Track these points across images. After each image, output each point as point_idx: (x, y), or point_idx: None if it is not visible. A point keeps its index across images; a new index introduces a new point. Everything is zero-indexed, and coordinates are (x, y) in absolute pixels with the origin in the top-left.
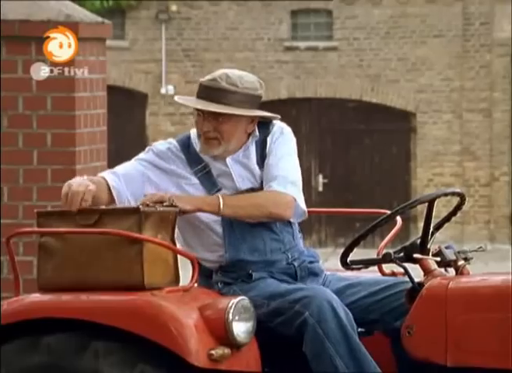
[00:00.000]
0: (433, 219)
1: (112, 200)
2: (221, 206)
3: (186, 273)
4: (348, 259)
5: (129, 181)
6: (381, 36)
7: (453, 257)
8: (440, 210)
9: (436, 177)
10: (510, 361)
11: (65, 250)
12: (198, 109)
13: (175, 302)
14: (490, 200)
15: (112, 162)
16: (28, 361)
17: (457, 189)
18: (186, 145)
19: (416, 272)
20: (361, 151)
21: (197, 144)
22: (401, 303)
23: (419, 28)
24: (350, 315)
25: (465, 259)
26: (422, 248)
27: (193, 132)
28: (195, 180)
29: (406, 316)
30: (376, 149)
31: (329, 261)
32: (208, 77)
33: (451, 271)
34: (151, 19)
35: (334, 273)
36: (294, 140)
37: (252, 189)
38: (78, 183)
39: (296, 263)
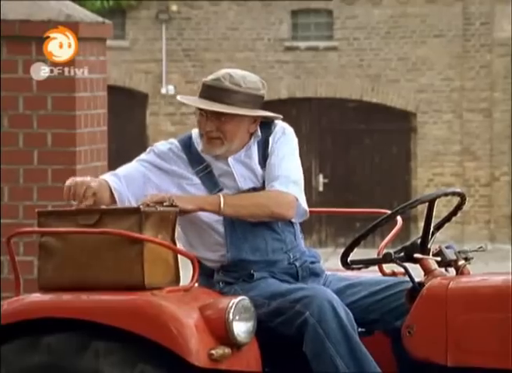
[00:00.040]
0: (433, 219)
1: (114, 201)
2: (221, 205)
3: (186, 273)
4: (349, 259)
5: (130, 182)
6: (381, 36)
7: (453, 257)
8: (441, 210)
9: (436, 177)
10: (510, 361)
11: (66, 250)
12: (200, 109)
13: (175, 302)
14: (490, 200)
15: (112, 162)
16: (28, 361)
17: (458, 189)
18: (187, 145)
19: (417, 272)
20: (361, 151)
21: (198, 144)
22: (401, 303)
23: (419, 28)
24: (351, 315)
25: (466, 259)
26: (423, 248)
27: (194, 132)
28: (197, 180)
29: (406, 316)
30: (377, 149)
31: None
32: (212, 76)
33: (452, 271)
34: (151, 19)
35: (335, 273)
36: (296, 140)
37: (254, 189)
38: (82, 178)
39: (297, 263)
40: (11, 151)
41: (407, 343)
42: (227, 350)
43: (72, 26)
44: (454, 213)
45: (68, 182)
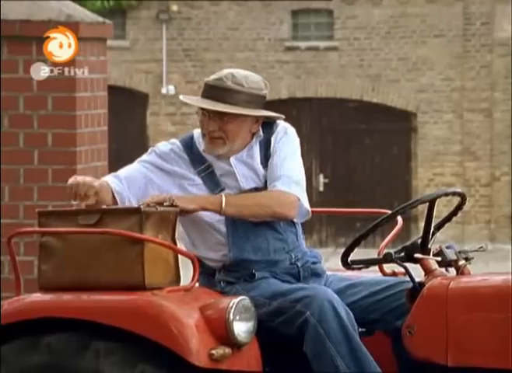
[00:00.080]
0: (433, 219)
1: (115, 203)
2: (223, 205)
3: (187, 273)
4: (349, 259)
5: (131, 183)
6: (382, 36)
7: (454, 257)
8: (441, 210)
9: (436, 177)
10: (510, 361)
11: (66, 250)
12: (203, 109)
13: (176, 302)
14: (491, 200)
15: (113, 162)
16: (28, 361)
17: (458, 189)
18: (189, 145)
19: (417, 272)
20: (362, 151)
21: (200, 144)
22: (401, 303)
23: (419, 28)
24: (351, 314)
25: (466, 259)
26: (423, 248)
27: (196, 132)
28: (198, 180)
29: (407, 316)
30: (377, 149)
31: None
32: (214, 76)
33: (452, 271)
34: (152, 19)
35: (335, 273)
36: (298, 140)
37: (256, 189)
38: (84, 177)
39: (299, 264)
40: (11, 151)
41: (407, 343)
42: (227, 350)
43: (73, 26)
44: (454, 213)
45: (71, 180)
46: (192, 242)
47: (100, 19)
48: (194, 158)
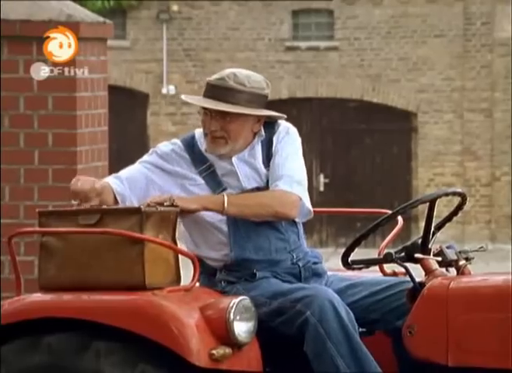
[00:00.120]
0: (434, 219)
1: (117, 204)
2: (225, 205)
3: (187, 273)
4: (350, 259)
5: (133, 184)
6: (382, 36)
7: (454, 257)
8: (441, 210)
9: (437, 177)
10: (510, 361)
11: (67, 250)
12: (205, 109)
13: (176, 302)
14: (491, 200)
15: (113, 162)
16: (28, 361)
17: (459, 189)
18: (190, 145)
19: (417, 272)
20: (362, 151)
21: (202, 144)
22: (402, 303)
23: (419, 28)
24: (351, 314)
25: (466, 259)
26: (424, 248)
27: (197, 132)
28: (200, 180)
29: (407, 316)
30: (378, 149)
31: (330, 261)
32: (216, 76)
33: (452, 271)
34: (152, 19)
35: (336, 273)
36: (299, 140)
37: (258, 189)
38: (86, 178)
39: (300, 264)
40: (12, 151)
41: (408, 342)
42: (228, 350)
43: (73, 26)
44: (454, 213)
45: (73, 183)
46: (194, 241)
47: (101, 18)
48: (196, 157)
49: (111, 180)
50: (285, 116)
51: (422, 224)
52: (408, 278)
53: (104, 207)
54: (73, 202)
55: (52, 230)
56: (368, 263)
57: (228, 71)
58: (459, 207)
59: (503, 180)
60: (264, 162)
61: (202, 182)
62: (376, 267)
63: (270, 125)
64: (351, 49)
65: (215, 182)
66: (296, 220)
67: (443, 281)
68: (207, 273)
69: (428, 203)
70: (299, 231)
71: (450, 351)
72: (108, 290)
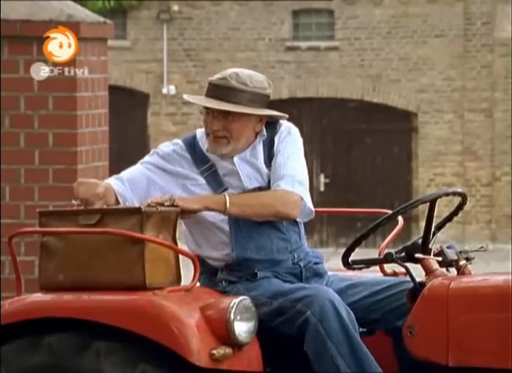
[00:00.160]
0: (434, 219)
1: (118, 204)
2: (227, 204)
3: (188, 273)
4: (350, 259)
5: (134, 185)
6: (383, 36)
7: (454, 257)
8: (442, 210)
9: (437, 177)
10: (511, 361)
11: (67, 250)
12: (207, 108)
13: (176, 302)
14: (492, 200)
15: (114, 162)
16: (29, 361)
17: (459, 189)
18: (192, 145)
19: (418, 272)
20: (362, 151)
21: (203, 144)
22: (402, 303)
23: (420, 28)
24: (352, 314)
25: (467, 259)
26: (424, 248)
27: (199, 132)
28: (202, 180)
29: (408, 316)
30: (378, 149)
31: (330, 261)
32: (218, 76)
33: (453, 271)
34: (152, 19)
35: (336, 273)
36: (301, 140)
37: (259, 189)
38: (88, 181)
39: (301, 264)
40: (12, 151)
41: (408, 342)
42: (228, 350)
43: (73, 26)
44: (455, 213)
45: (75, 187)
46: (195, 241)
47: (101, 19)
48: (197, 157)
49: (112, 181)
50: (287, 116)
51: (423, 224)
52: (408, 278)
53: (105, 207)
54: (73, 202)
55: (52, 230)
56: (368, 263)
57: (230, 70)
58: (459, 207)
59: (503, 180)
60: (265, 162)
61: (204, 182)
62: (377, 267)
63: (272, 125)
64: (351, 49)
65: (216, 182)
66: (298, 220)
67: (443, 281)
68: (208, 273)
69: (428, 203)
70: (300, 232)
71: (450, 351)
72: (108, 290)
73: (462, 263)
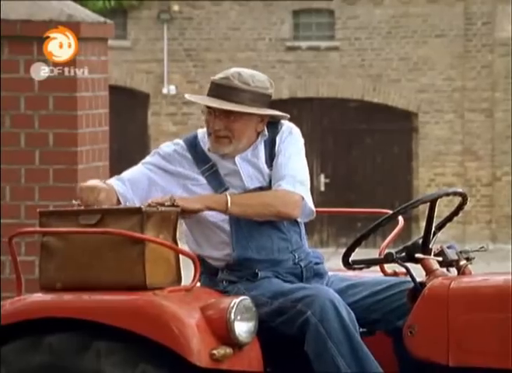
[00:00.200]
0: (434, 219)
1: (119, 205)
2: (228, 204)
3: (188, 273)
4: (350, 259)
5: (135, 186)
6: (383, 36)
7: (455, 257)
8: (442, 210)
9: (437, 177)
10: (511, 361)
11: (67, 250)
12: (209, 108)
13: (177, 302)
14: (492, 200)
15: (114, 162)
16: (29, 361)
17: (459, 189)
18: (193, 145)
19: (418, 272)
20: (363, 151)
21: (204, 144)
22: (402, 303)
23: (420, 28)
24: (352, 314)
25: (467, 259)
26: (424, 248)
27: (200, 131)
28: (203, 180)
29: (408, 316)
30: (378, 149)
31: (331, 261)
32: (220, 75)
33: (453, 271)
34: (153, 19)
35: (336, 273)
36: (302, 140)
37: (260, 189)
38: (90, 184)
39: (302, 264)
40: (12, 151)
41: (408, 342)
42: (229, 350)
43: (74, 26)
44: (455, 213)
45: (77, 191)
46: (196, 241)
47: (101, 18)
48: (198, 157)
49: (114, 182)
50: (289, 116)
51: (423, 224)
52: (408, 278)
53: (105, 207)
54: (74, 202)
55: (53, 230)
56: (369, 263)
57: (232, 70)
58: (460, 207)
59: (503, 180)
60: (267, 162)
61: (205, 182)
62: (377, 267)
63: (273, 125)
64: (352, 49)
65: (217, 181)
66: (299, 220)
67: (443, 281)
68: (208, 272)
69: (429, 203)
70: (301, 232)
71: (450, 351)
72: (109, 290)
73: (462, 263)
